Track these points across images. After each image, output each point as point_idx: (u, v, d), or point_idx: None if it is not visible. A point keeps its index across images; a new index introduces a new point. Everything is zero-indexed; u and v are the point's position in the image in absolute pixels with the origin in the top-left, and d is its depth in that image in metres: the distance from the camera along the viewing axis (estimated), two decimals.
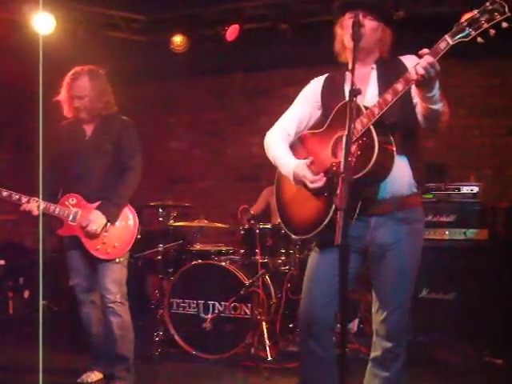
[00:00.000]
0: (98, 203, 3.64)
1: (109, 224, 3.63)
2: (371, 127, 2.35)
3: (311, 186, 2.53)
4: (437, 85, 2.32)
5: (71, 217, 3.64)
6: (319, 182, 2.51)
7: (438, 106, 2.39)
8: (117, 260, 3.66)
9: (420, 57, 2.26)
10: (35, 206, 3.59)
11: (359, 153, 2.35)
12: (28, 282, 6.10)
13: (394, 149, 2.41)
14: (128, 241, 3.70)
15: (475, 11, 2.19)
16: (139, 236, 3.77)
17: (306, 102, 2.80)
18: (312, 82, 2.84)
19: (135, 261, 5.18)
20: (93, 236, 3.61)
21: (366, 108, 2.39)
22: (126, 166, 3.69)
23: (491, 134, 6.24)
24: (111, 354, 3.67)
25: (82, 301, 3.81)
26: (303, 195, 2.62)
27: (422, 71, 2.22)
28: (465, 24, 2.19)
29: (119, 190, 3.66)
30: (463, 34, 2.19)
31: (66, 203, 3.67)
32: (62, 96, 3.73)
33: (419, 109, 2.47)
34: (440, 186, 4.83)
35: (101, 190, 3.65)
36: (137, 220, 3.75)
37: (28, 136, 6.54)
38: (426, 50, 2.26)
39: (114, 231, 3.66)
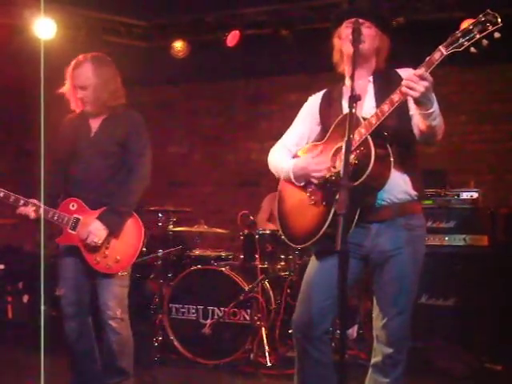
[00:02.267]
0: (100, 211, 3.34)
1: (111, 236, 3.32)
2: (368, 137, 2.39)
3: (318, 175, 2.55)
4: (434, 100, 2.35)
5: (71, 225, 3.34)
6: (324, 170, 2.53)
7: (437, 122, 2.41)
8: (119, 274, 3.36)
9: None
10: (32, 209, 3.29)
11: (356, 162, 2.39)
12: (27, 287, 6.08)
13: (392, 159, 2.44)
14: (132, 254, 3.36)
15: (468, 23, 2.23)
16: (144, 249, 3.49)
17: (306, 120, 2.85)
18: (310, 98, 2.89)
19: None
20: (94, 249, 3.31)
21: (364, 119, 2.43)
22: (131, 169, 3.38)
23: (491, 140, 6.25)
24: (111, 367, 3.46)
25: (68, 314, 3.42)
26: (303, 205, 2.65)
27: (404, 90, 2.28)
28: (458, 35, 2.24)
29: (123, 197, 3.34)
30: (456, 45, 2.23)
31: (67, 208, 3.37)
32: (66, 87, 3.41)
33: (416, 121, 2.49)
34: (439, 191, 4.83)
35: (104, 195, 3.35)
36: (142, 231, 3.40)
37: (28, 140, 6.57)
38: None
39: (117, 244, 3.34)
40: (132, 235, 3.39)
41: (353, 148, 2.37)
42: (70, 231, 3.35)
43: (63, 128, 3.53)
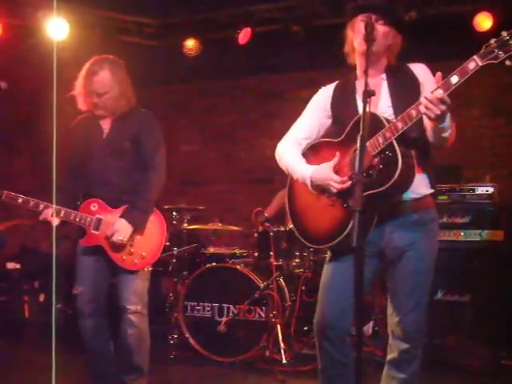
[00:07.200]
0: (121, 208, 3.36)
1: (136, 232, 3.34)
2: (394, 142, 2.35)
3: (339, 186, 2.49)
4: (448, 116, 2.33)
5: (94, 225, 3.35)
6: (347, 182, 2.47)
7: (447, 134, 2.41)
8: (145, 269, 3.41)
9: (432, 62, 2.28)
10: (50, 213, 3.30)
11: (381, 166, 2.36)
12: (43, 286, 6.13)
13: (415, 162, 2.43)
14: (156, 250, 3.41)
15: (504, 33, 2.18)
16: (168, 243, 3.49)
17: (316, 112, 2.79)
18: (320, 90, 2.82)
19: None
20: (119, 247, 3.33)
21: (388, 121, 2.40)
22: (147, 166, 3.40)
23: (505, 134, 6.19)
24: (126, 364, 3.48)
25: (85, 312, 3.41)
26: (320, 205, 2.61)
27: (423, 110, 2.26)
28: (494, 45, 2.19)
29: (143, 194, 3.36)
30: (492, 56, 2.19)
31: (88, 209, 3.38)
32: (78, 91, 3.40)
33: (428, 131, 2.47)
34: (455, 187, 4.79)
35: (124, 193, 3.37)
36: (165, 226, 3.44)
37: (42, 141, 6.60)
38: (439, 74, 2.27)
39: (141, 240, 3.36)
40: (155, 231, 3.42)
41: (377, 151, 2.36)
42: (94, 231, 3.36)
43: (73, 132, 3.52)
